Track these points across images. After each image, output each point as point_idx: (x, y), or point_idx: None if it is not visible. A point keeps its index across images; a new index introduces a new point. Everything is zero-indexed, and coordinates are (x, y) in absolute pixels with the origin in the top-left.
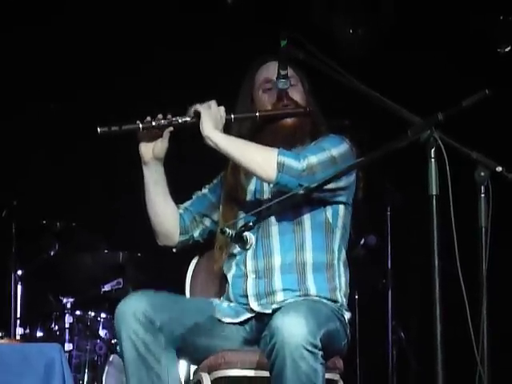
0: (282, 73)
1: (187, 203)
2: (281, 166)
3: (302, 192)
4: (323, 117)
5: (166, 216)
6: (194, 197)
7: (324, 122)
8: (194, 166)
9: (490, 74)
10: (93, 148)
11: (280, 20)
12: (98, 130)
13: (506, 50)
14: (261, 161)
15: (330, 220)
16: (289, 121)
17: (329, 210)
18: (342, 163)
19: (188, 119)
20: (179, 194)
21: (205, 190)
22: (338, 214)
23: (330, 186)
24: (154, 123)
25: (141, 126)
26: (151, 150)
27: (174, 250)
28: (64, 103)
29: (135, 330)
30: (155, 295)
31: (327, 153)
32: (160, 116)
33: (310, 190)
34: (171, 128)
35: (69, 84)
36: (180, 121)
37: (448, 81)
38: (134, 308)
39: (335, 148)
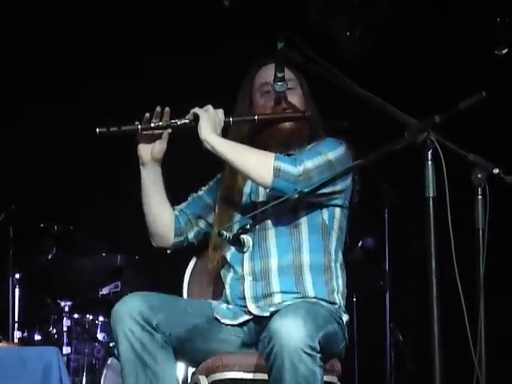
0: (279, 75)
1: (182, 205)
2: (277, 171)
3: (296, 196)
4: (322, 120)
5: (162, 217)
6: (189, 198)
7: (322, 125)
8: (190, 167)
9: (488, 77)
10: (91, 151)
11: (278, 22)
12: (97, 130)
13: (504, 52)
14: (257, 165)
15: (327, 222)
16: (287, 125)
17: (325, 213)
18: (339, 167)
19: (187, 121)
20: (175, 195)
21: (200, 192)
22: (334, 217)
23: (327, 189)
24: (152, 124)
25: (140, 127)
26: (150, 151)
27: (169, 252)
28: (63, 104)
29: (131, 329)
30: (152, 296)
31: (323, 157)
32: (158, 110)
33: (306, 193)
34: (170, 130)
35: (68, 84)
36: (179, 123)
37: (445, 83)
38: (130, 308)
39: (332, 152)
